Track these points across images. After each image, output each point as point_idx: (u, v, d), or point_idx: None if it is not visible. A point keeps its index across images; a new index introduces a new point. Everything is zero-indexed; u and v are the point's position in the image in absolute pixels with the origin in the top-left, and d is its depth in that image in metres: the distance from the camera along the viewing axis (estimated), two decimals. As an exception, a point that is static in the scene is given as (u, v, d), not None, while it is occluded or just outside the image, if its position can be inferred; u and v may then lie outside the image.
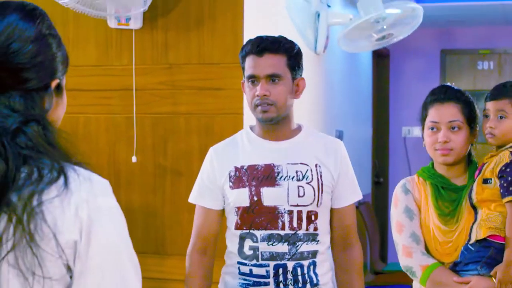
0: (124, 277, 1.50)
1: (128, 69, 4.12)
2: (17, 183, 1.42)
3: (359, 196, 3.04)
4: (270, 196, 2.85)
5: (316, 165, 2.90)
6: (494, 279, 2.79)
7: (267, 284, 2.85)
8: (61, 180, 1.45)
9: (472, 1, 7.38)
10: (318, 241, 2.90)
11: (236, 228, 2.91)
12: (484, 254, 2.84)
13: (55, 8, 4.16)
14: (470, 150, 3.07)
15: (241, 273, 2.91)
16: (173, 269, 3.96)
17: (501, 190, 2.82)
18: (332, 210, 2.97)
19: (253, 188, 2.86)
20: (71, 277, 1.47)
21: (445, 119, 2.98)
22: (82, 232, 1.45)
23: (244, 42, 3.95)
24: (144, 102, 4.11)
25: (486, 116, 3.02)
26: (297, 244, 2.85)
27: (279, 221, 2.85)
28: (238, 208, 2.89)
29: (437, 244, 2.97)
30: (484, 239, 2.84)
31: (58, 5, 4.08)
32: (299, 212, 2.85)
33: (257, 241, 2.86)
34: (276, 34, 2.95)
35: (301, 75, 2.95)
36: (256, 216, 2.86)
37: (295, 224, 2.85)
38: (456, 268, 2.91)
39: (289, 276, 2.84)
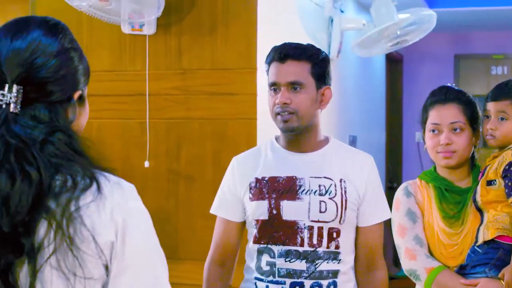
0: (156, 275, 1.61)
1: (141, 74, 4.14)
2: (54, 190, 1.51)
3: (387, 215, 2.87)
4: (290, 210, 2.70)
5: (341, 180, 2.74)
6: (502, 281, 2.70)
7: None
8: (94, 186, 1.54)
9: (486, 6, 7.36)
10: (340, 260, 2.73)
11: (254, 241, 2.77)
12: (493, 256, 2.75)
13: (70, 14, 4.18)
14: (473, 153, 2.98)
15: None
16: (186, 273, 3.96)
17: (506, 190, 2.73)
18: (357, 229, 2.81)
19: (273, 201, 2.72)
20: (107, 275, 1.57)
21: (446, 120, 2.90)
22: (117, 233, 1.55)
23: (257, 48, 3.99)
24: (157, 107, 4.12)
25: (486, 116, 2.94)
26: (316, 262, 2.69)
27: (298, 236, 2.69)
28: (257, 221, 2.75)
29: (441, 247, 2.87)
30: (492, 240, 2.76)
31: (72, 11, 4.10)
32: (320, 229, 2.70)
33: (274, 257, 2.71)
34: (290, 40, 2.89)
35: (328, 84, 2.80)
36: (274, 230, 2.71)
37: (315, 241, 2.69)
38: (462, 271, 2.82)
39: None
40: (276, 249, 2.71)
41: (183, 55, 4.10)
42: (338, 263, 2.72)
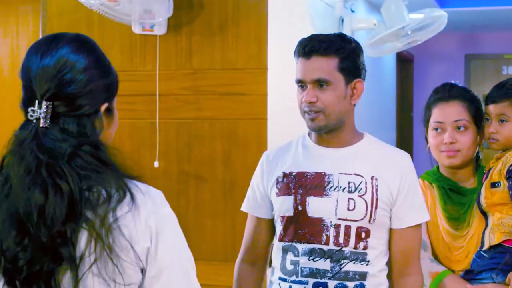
0: (187, 274, 1.73)
1: (152, 74, 4.14)
2: (91, 203, 1.61)
3: (424, 218, 2.63)
4: (316, 206, 2.55)
5: (372, 178, 2.56)
6: (510, 286, 2.60)
7: None
8: (128, 196, 1.65)
9: (497, 6, 7.35)
10: (369, 261, 2.54)
11: (280, 239, 2.63)
12: (500, 261, 2.65)
13: (81, 14, 4.20)
14: (478, 152, 2.89)
15: None
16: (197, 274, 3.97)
17: (511, 192, 2.64)
18: (391, 231, 2.61)
19: (299, 197, 2.57)
20: (143, 278, 1.69)
21: (450, 118, 2.82)
22: (152, 239, 1.67)
23: (268, 48, 3.99)
24: (168, 107, 4.12)
25: (487, 119, 2.83)
26: (342, 262, 2.52)
27: (323, 234, 2.53)
28: (283, 217, 2.61)
29: (446, 250, 2.79)
30: (499, 245, 2.66)
31: (83, 11, 4.11)
32: (347, 227, 2.53)
33: (298, 255, 2.57)
34: (302, 37, 2.79)
35: (361, 77, 2.63)
36: (299, 228, 2.56)
37: (341, 240, 2.52)
38: (468, 276, 2.73)
39: None
40: (301, 247, 2.56)
41: (193, 55, 4.10)
42: (367, 264, 2.54)
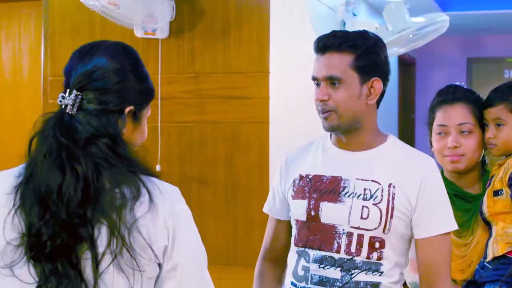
0: (199, 269, 1.84)
1: (154, 78, 4.12)
2: (113, 201, 1.72)
3: (448, 227, 2.45)
4: (329, 212, 2.44)
5: (389, 185, 2.41)
6: None
7: None
8: (147, 196, 1.76)
9: (499, 9, 7.35)
10: (383, 272, 2.41)
11: (294, 243, 2.53)
12: (503, 272, 2.52)
13: (82, 17, 4.20)
14: (484, 157, 2.78)
15: None
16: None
17: None
18: (415, 241, 2.46)
19: (313, 201, 2.47)
20: (160, 271, 1.80)
21: (454, 121, 2.71)
22: (169, 237, 1.77)
23: (270, 51, 3.99)
24: (170, 111, 4.13)
25: (486, 125, 2.72)
26: (353, 272, 2.40)
27: (335, 242, 2.43)
28: (297, 221, 2.52)
29: None
30: (503, 256, 2.54)
31: (85, 14, 4.12)
32: (360, 236, 2.41)
33: (309, 262, 2.47)
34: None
35: (377, 76, 2.45)
36: (311, 233, 2.47)
37: (352, 249, 2.41)
38: (470, 287, 2.62)
39: None
40: (312, 253, 2.46)
41: (195, 59, 4.11)
42: (380, 275, 2.41)
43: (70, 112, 1.78)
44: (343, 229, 2.42)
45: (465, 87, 2.82)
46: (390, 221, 2.40)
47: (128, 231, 1.71)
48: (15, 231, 1.72)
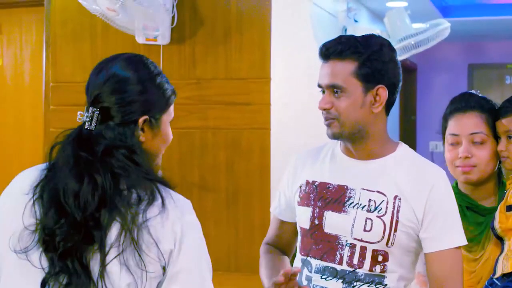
0: (203, 278, 1.90)
1: (155, 84, 4.14)
2: (126, 200, 1.82)
3: (459, 241, 2.35)
4: (332, 222, 2.38)
5: (395, 197, 2.34)
6: None
7: None
8: (159, 200, 1.85)
9: (500, 15, 7.35)
10: (386, 285, 2.34)
11: (299, 251, 2.49)
12: None
13: (84, 23, 4.21)
14: (501, 168, 2.63)
15: None
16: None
17: None
18: (425, 256, 2.37)
19: (317, 210, 2.41)
20: (163, 274, 1.87)
21: (466, 131, 2.59)
22: (176, 243, 1.85)
23: (271, 57, 3.99)
24: (171, 117, 4.12)
25: (499, 137, 2.60)
26: (354, 284, 2.34)
27: (337, 253, 2.36)
28: (301, 228, 2.47)
29: None
30: None
31: (86, 20, 4.12)
32: (363, 249, 2.34)
33: (311, 272, 2.41)
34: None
35: (382, 83, 2.35)
36: (314, 243, 2.41)
37: (355, 261, 2.34)
38: None
39: None
40: (314, 263, 2.40)
41: (197, 65, 4.11)
42: None
43: (88, 128, 1.91)
44: (346, 240, 2.35)
45: (480, 95, 2.70)
46: (394, 234, 2.32)
47: (137, 228, 1.80)
48: (33, 217, 1.85)
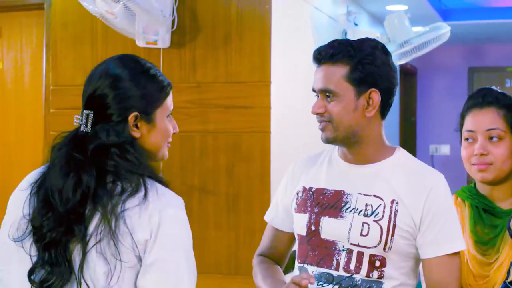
0: (179, 272, 1.93)
1: (156, 87, 4.14)
2: (109, 192, 1.91)
3: (456, 246, 2.30)
4: (329, 228, 2.34)
5: (392, 201, 2.30)
6: None
7: None
8: (142, 192, 1.91)
9: (500, 19, 7.36)
10: None
11: (297, 259, 2.44)
12: None
13: (84, 26, 4.21)
14: None
15: None
16: (199, 287, 3.96)
17: None
18: (422, 261, 2.34)
19: (313, 216, 2.37)
20: (140, 265, 1.92)
21: (482, 127, 2.46)
22: (152, 234, 1.90)
23: (271, 61, 4.00)
24: (171, 120, 4.13)
25: None
26: None
27: (334, 259, 2.32)
28: (298, 236, 2.43)
29: (471, 277, 2.43)
30: None
31: (87, 23, 4.12)
32: (360, 254, 2.29)
33: None
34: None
35: (375, 87, 2.32)
36: (310, 249, 2.37)
37: (351, 267, 2.30)
38: None
39: None
40: (311, 270, 2.35)
41: (197, 69, 4.11)
42: None
43: (83, 130, 1.99)
44: (343, 246, 2.31)
45: (498, 90, 2.58)
46: (391, 239, 2.28)
47: (115, 218, 1.88)
48: (30, 208, 1.98)
